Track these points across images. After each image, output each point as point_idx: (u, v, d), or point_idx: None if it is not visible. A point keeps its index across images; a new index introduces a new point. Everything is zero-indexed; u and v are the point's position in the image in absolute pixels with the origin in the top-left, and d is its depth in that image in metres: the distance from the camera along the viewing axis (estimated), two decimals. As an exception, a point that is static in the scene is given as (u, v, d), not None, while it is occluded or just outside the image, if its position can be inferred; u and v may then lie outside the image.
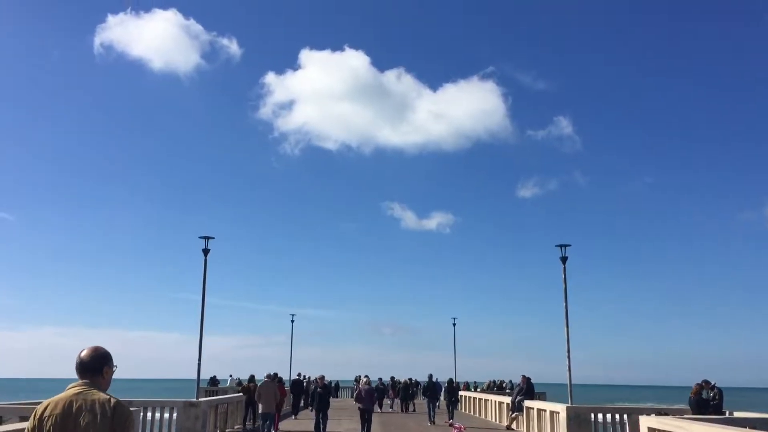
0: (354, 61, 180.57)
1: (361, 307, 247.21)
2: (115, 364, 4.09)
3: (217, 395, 32.65)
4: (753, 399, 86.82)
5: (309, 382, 38.83)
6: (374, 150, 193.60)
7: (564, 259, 24.86)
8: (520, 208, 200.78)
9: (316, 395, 21.37)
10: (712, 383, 20.20)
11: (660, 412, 19.22)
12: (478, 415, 35.54)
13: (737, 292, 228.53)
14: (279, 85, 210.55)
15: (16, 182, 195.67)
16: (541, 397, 35.08)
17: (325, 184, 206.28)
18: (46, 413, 3.80)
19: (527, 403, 24.99)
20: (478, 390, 48.13)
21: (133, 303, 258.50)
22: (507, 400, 28.64)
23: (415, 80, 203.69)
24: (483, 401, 35.51)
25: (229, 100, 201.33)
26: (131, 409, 4.46)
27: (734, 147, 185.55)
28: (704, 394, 20.09)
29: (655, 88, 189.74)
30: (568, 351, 24.11)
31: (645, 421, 15.15)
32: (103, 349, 4.06)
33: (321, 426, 21.18)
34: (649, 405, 47.08)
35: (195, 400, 21.42)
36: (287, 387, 33.41)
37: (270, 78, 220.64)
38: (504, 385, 49.83)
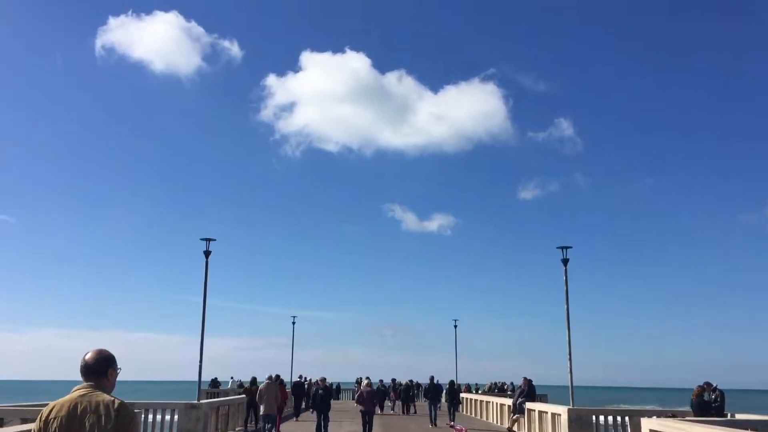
0: (355, 63, 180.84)
1: (362, 309, 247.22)
2: (119, 367, 4.15)
3: (218, 397, 32.65)
4: (755, 401, 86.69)
5: (310, 384, 38.82)
6: (375, 152, 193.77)
7: (565, 261, 24.84)
8: (521, 210, 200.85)
9: (318, 397, 21.36)
10: (714, 385, 20.19)
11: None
12: (479, 417, 35.51)
13: (739, 294, 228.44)
14: (280, 87, 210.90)
15: (17, 184, 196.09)
16: (543, 399, 35.09)
17: (326, 185, 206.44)
18: (52, 415, 3.87)
19: (528, 405, 24.97)
20: (480, 392, 48.13)
21: (135, 305, 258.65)
22: (508, 402, 28.62)
23: (416, 82, 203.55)
24: (484, 403, 35.48)
25: (230, 102, 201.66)
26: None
27: (735, 148, 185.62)
28: (706, 396, 20.07)
29: (656, 89, 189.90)
30: (570, 353, 24.09)
31: (646, 424, 15.14)
32: (107, 351, 4.12)
33: (322, 428, 21.17)
34: (650, 407, 47.00)
35: (196, 401, 21.41)
36: (288, 389, 33.40)
37: (271, 80, 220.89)
38: (505, 387, 49.83)
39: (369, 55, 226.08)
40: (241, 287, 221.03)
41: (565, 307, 24.61)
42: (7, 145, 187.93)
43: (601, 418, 21.34)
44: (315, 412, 21.68)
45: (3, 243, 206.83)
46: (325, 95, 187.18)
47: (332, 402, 23.20)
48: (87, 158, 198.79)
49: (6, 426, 17.31)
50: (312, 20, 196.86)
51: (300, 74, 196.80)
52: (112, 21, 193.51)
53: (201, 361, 24.15)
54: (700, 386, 20.26)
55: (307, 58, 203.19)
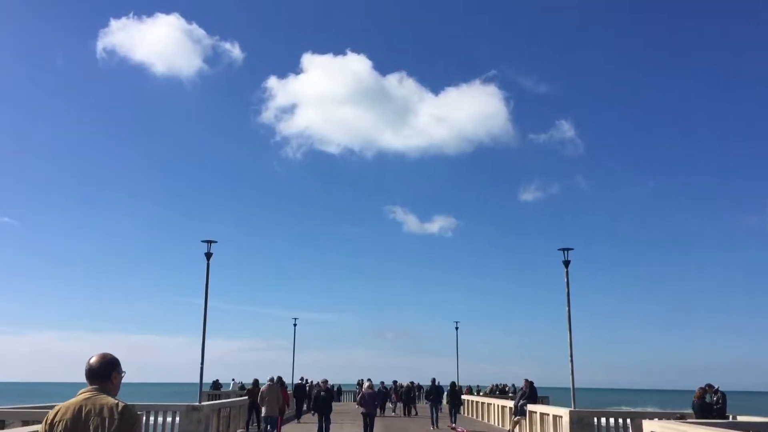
0: (356, 65, 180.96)
1: (364, 311, 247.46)
2: (123, 370, 4.22)
3: (219, 399, 32.64)
4: (757, 403, 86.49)
5: (311, 385, 38.79)
6: (376, 154, 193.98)
7: (567, 263, 24.82)
8: (521, 212, 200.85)
9: (320, 399, 21.34)
10: (716, 387, 20.15)
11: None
12: (481, 419, 35.48)
13: (740, 296, 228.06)
14: (281, 89, 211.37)
15: (18, 186, 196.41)
16: (544, 401, 35.01)
17: (328, 188, 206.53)
18: (57, 418, 3.94)
19: (530, 407, 24.93)
20: (481, 394, 48.08)
21: (136, 307, 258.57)
22: (510, 404, 28.59)
23: (417, 84, 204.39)
24: (486, 405, 35.44)
25: (232, 104, 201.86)
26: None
27: (738, 150, 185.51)
28: (708, 398, 20.03)
29: (658, 91, 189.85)
30: (571, 355, 24.07)
31: (648, 426, 15.12)
32: (111, 355, 4.19)
33: (324, 429, 21.16)
34: (651, 409, 46.92)
35: (197, 404, 21.41)
36: (290, 391, 33.38)
37: (272, 82, 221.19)
38: (507, 389, 49.79)
39: (370, 57, 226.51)
40: (242, 289, 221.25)
41: (567, 309, 24.59)
42: (8, 147, 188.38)
43: (603, 420, 21.31)
44: (316, 414, 21.67)
45: (4, 245, 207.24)
46: (326, 97, 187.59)
47: (333, 404, 23.19)
48: (88, 160, 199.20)
49: (7, 428, 17.32)
50: (313, 22, 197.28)
51: (301, 76, 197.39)
52: (114, 23, 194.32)
53: (202, 363, 24.18)
54: (701, 388, 20.22)
55: (308, 60, 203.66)
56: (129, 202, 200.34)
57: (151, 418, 20.11)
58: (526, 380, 26.13)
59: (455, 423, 30.22)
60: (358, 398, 23.70)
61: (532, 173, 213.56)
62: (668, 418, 17.70)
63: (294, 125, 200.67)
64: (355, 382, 53.81)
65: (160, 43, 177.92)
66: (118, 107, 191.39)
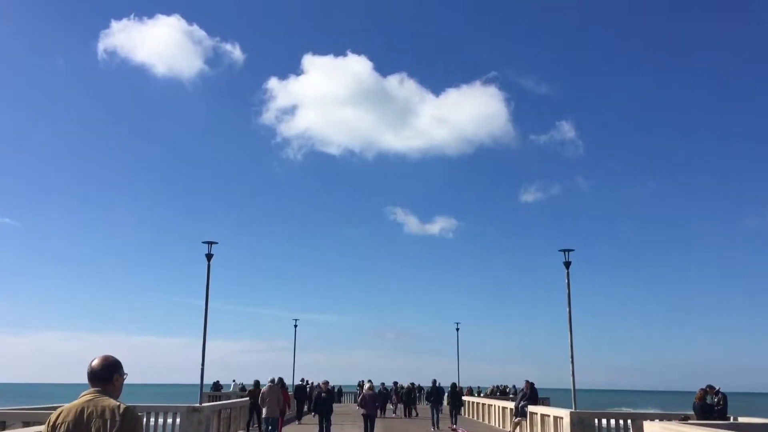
0: (356, 66, 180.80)
1: (364, 312, 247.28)
2: (125, 372, 4.27)
3: (220, 400, 32.64)
4: (758, 404, 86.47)
5: (312, 387, 38.78)
6: (377, 155, 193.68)
7: (567, 264, 24.81)
8: (522, 213, 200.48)
9: (321, 400, 21.33)
10: (717, 388, 20.13)
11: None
12: (481, 421, 35.46)
13: (741, 297, 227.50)
14: (282, 91, 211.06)
15: (19, 187, 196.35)
16: (545, 402, 35.00)
17: (328, 189, 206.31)
18: (59, 420, 3.99)
19: (531, 408, 24.92)
20: (482, 395, 48.06)
21: (136, 308, 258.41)
22: (510, 405, 28.57)
23: (418, 85, 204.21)
24: (486, 406, 35.43)
25: (232, 106, 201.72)
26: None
27: (738, 151, 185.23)
28: (708, 400, 20.02)
29: (658, 91, 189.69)
30: (572, 356, 24.05)
31: (649, 427, 15.11)
32: (113, 357, 4.25)
33: (324, 431, 21.15)
34: (652, 410, 46.88)
35: (198, 405, 21.42)
36: (290, 392, 33.38)
37: (273, 83, 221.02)
38: (507, 390, 49.79)
39: (371, 58, 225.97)
40: (242, 290, 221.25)
41: (567, 310, 24.58)
42: (9, 147, 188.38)
43: (604, 421, 21.31)
44: (317, 415, 21.66)
45: (5, 246, 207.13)
46: (327, 98, 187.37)
47: (334, 405, 23.19)
48: (89, 161, 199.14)
49: (8, 429, 17.33)
50: (314, 23, 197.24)
51: (302, 77, 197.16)
52: (115, 24, 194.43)
53: (203, 364, 24.18)
54: (702, 389, 20.21)
55: (309, 61, 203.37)
56: (130, 203, 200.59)
57: (152, 420, 20.12)
58: (527, 381, 26.12)
59: (456, 424, 30.21)
60: (358, 399, 23.69)
61: (532, 174, 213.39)
62: (671, 419, 17.69)
63: (295, 126, 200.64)
64: (356, 383, 53.84)
65: (161, 45, 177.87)
66: (118, 108, 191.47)
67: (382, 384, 43.92)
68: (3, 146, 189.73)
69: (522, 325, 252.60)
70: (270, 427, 21.20)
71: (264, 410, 21.14)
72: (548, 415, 23.02)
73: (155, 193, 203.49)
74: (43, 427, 4.05)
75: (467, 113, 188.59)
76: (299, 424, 31.23)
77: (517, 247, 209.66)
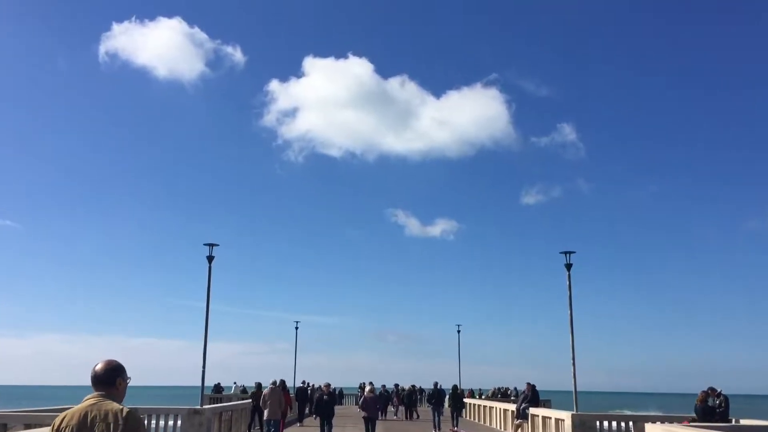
0: (357, 68, 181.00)
1: (365, 314, 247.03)
2: (128, 376, 4.34)
3: (221, 402, 32.64)
4: (760, 406, 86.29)
5: (313, 389, 38.78)
6: (378, 157, 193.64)
7: (569, 266, 24.81)
8: (523, 215, 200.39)
9: (322, 403, 21.32)
10: (718, 390, 20.08)
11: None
12: (482, 423, 35.43)
13: (742, 299, 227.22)
14: (283, 93, 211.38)
15: (21, 189, 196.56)
16: (546, 404, 34.95)
17: (329, 191, 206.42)
18: (63, 424, 4.06)
19: (532, 410, 24.91)
20: (483, 397, 48.02)
21: (138, 310, 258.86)
22: (512, 407, 28.55)
23: (419, 87, 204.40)
24: (488, 408, 35.41)
25: (233, 108, 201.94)
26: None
27: (739, 154, 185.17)
28: (710, 402, 19.97)
29: (659, 94, 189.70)
30: (573, 358, 24.04)
31: (650, 429, 15.09)
32: (116, 362, 4.32)
33: (326, 433, 21.15)
34: (653, 413, 46.83)
35: (199, 407, 21.41)
36: (292, 394, 33.37)
37: (274, 85, 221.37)
38: (509, 393, 49.74)
39: (371, 61, 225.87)
40: (244, 292, 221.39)
41: (569, 312, 24.56)
42: (10, 150, 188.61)
43: (605, 423, 21.29)
44: (318, 418, 21.66)
45: (7, 248, 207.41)
46: (328, 101, 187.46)
47: (335, 408, 23.18)
48: (90, 164, 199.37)
49: (10, 431, 17.34)
50: (315, 26, 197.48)
51: (303, 80, 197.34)
52: (116, 27, 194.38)
53: (204, 367, 24.17)
54: (704, 391, 20.16)
55: (310, 63, 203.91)
56: (131, 205, 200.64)
57: (153, 422, 20.13)
58: (528, 383, 26.11)
59: (457, 426, 30.20)
60: (359, 402, 23.66)
61: (533, 176, 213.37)
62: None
63: (296, 129, 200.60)
64: (357, 386, 53.83)
65: (162, 47, 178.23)
66: (120, 111, 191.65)
67: (383, 386, 43.90)
68: (4, 148, 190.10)
69: (523, 327, 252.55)
70: (271, 429, 21.19)
71: (265, 412, 21.14)
72: (549, 418, 23.00)
73: (156, 195, 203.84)
74: (46, 430, 4.10)
75: (468, 115, 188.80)
76: (300, 426, 31.22)
77: (518, 250, 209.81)
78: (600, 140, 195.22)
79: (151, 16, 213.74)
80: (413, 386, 42.97)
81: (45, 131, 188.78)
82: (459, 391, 33.55)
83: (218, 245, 25.09)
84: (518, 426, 25.93)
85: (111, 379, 4.21)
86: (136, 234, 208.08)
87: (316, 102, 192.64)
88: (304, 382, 39.86)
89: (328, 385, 22.75)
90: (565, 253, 24.95)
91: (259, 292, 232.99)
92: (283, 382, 24.18)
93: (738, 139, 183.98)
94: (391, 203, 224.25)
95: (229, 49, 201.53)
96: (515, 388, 49.10)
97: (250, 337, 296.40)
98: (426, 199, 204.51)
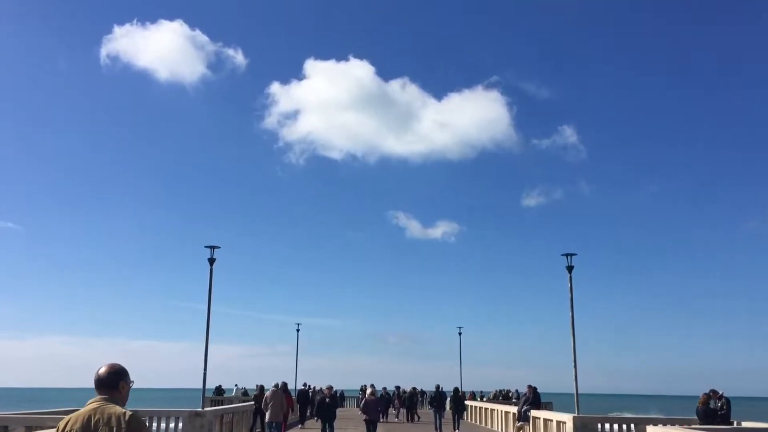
0: (358, 70, 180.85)
1: (367, 317, 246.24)
2: (131, 380, 4.37)
3: (222, 405, 32.63)
4: (762, 408, 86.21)
5: (314, 391, 38.76)
6: (379, 159, 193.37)
7: (570, 268, 24.80)
8: (524, 217, 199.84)
9: (324, 405, 21.31)
10: (720, 393, 20.08)
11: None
12: (484, 425, 35.42)
13: (744, 301, 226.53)
14: (284, 95, 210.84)
15: (22, 191, 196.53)
16: (548, 406, 34.94)
17: (330, 193, 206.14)
18: (67, 428, 4.11)
19: (533, 412, 24.90)
20: (485, 399, 47.98)
21: (139, 312, 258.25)
22: (513, 409, 28.54)
23: (420, 90, 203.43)
24: (489, 411, 35.40)
25: (235, 110, 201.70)
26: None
27: (740, 155, 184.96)
28: (712, 404, 19.97)
29: (660, 96, 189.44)
30: (575, 360, 24.03)
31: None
32: (120, 365, 4.35)
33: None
34: (655, 415, 46.78)
35: (200, 409, 21.40)
36: (293, 396, 33.37)
37: (275, 88, 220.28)
38: (510, 395, 49.65)
39: (373, 63, 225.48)
40: (245, 294, 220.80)
41: (570, 314, 24.55)
42: (11, 151, 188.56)
43: (606, 426, 21.25)
44: (319, 420, 21.66)
45: (8, 250, 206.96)
46: (329, 103, 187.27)
47: (336, 410, 23.16)
48: (91, 165, 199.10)
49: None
50: (316, 28, 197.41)
51: (304, 82, 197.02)
52: (117, 29, 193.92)
53: (205, 369, 24.14)
54: (705, 394, 20.16)
55: (311, 66, 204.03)
56: (132, 207, 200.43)
57: (154, 424, 20.13)
58: (530, 386, 26.10)
59: (458, 429, 30.16)
60: (361, 404, 23.65)
61: (534, 178, 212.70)
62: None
63: (297, 131, 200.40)
64: (358, 388, 53.82)
65: (163, 50, 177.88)
66: (121, 113, 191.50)
67: (384, 389, 43.84)
68: (6, 150, 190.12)
69: (524, 330, 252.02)
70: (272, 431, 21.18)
71: (267, 415, 21.14)
72: (551, 420, 22.98)
73: (158, 197, 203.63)
74: None
75: (469, 117, 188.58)
76: (302, 428, 31.21)
77: (519, 252, 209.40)
78: (601, 142, 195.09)
79: (153, 18, 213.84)
80: (414, 388, 42.95)
81: (46, 133, 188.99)
82: (460, 394, 33.53)
83: (219, 247, 25.10)
84: (519, 428, 25.91)
85: (114, 382, 4.24)
86: (137, 236, 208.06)
87: (317, 104, 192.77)
88: (305, 385, 39.86)
89: (330, 388, 22.75)
90: (567, 255, 24.94)
91: (260, 294, 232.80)
92: (285, 384, 24.16)
93: (738, 139, 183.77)
94: (392, 205, 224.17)
95: (231, 52, 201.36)
96: (516, 391, 49.02)
97: (252, 340, 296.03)
98: (427, 201, 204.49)
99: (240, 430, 25.07)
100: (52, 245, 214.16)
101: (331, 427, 21.25)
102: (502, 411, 31.93)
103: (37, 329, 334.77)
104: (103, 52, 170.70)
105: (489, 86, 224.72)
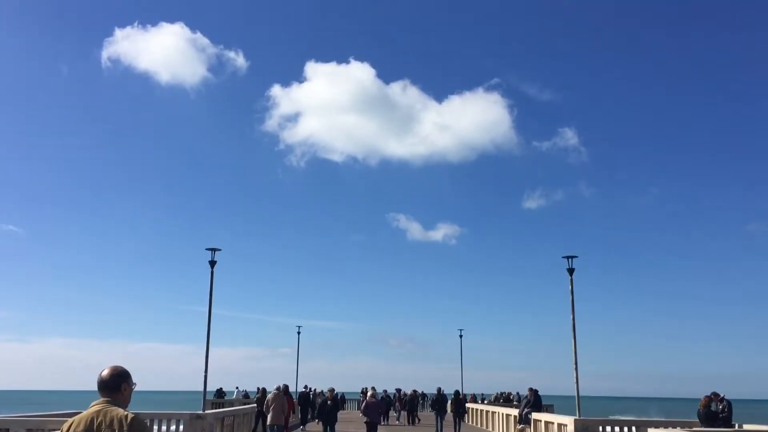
0: (359, 73, 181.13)
1: (367, 319, 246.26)
2: (134, 382, 4.39)
3: (223, 407, 32.62)
4: (764, 411, 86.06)
5: (315, 394, 38.74)
6: (380, 162, 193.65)
7: (571, 271, 24.80)
8: (525, 220, 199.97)
9: (326, 408, 21.30)
10: (721, 395, 20.06)
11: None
12: (485, 428, 35.38)
13: (745, 303, 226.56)
14: (285, 98, 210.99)
15: (23, 194, 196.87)
16: (549, 409, 34.94)
17: (331, 195, 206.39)
18: (70, 431, 4.13)
19: (534, 415, 24.87)
20: (486, 402, 47.95)
21: (140, 315, 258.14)
22: (514, 412, 28.51)
23: (421, 92, 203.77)
24: (490, 413, 35.35)
25: (236, 113, 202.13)
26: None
27: (740, 158, 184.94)
28: (713, 407, 19.95)
29: (661, 98, 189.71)
30: (576, 363, 24.03)
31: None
32: (122, 368, 4.36)
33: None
34: (656, 417, 46.70)
35: (201, 412, 21.42)
36: (294, 399, 33.36)
37: (276, 90, 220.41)
38: (511, 398, 49.61)
39: (373, 65, 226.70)
40: (245, 297, 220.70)
41: (571, 316, 24.55)
42: (12, 154, 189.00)
43: (608, 428, 21.22)
44: (321, 423, 21.66)
45: (9, 253, 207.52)
46: (330, 105, 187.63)
47: (338, 413, 23.17)
48: (92, 168, 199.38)
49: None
50: (316, 31, 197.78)
51: (305, 84, 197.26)
52: (118, 32, 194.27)
53: (206, 371, 24.19)
54: (707, 396, 20.14)
55: (312, 68, 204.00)
56: (133, 210, 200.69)
57: (155, 427, 20.12)
58: (531, 389, 26.07)
59: (459, 431, 30.11)
60: (361, 407, 23.65)
61: (535, 181, 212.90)
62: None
63: (297, 133, 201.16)
64: (359, 390, 53.81)
65: (164, 52, 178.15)
66: (122, 115, 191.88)
67: (385, 391, 43.84)
68: (7, 153, 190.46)
69: (525, 332, 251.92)
70: (273, 434, 21.18)
71: (269, 417, 21.15)
72: (552, 423, 22.95)
73: (158, 199, 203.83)
74: None
75: (470, 120, 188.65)
76: (303, 431, 31.20)
77: (520, 254, 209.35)
78: (602, 144, 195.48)
79: (154, 21, 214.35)
80: (415, 391, 42.92)
81: (47, 136, 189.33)
82: (461, 396, 33.49)
83: (220, 250, 25.17)
84: (521, 431, 25.88)
85: (116, 384, 4.26)
86: (138, 238, 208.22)
87: (318, 107, 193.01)
88: (306, 387, 39.83)
89: (332, 391, 22.76)
90: (568, 257, 24.96)
91: (261, 296, 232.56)
92: (286, 387, 24.18)
93: (739, 142, 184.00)
94: (393, 208, 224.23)
95: (232, 54, 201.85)
96: (517, 393, 48.99)
97: (253, 342, 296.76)
98: (428, 203, 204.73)
99: (241, 432, 25.06)
100: (53, 248, 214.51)
101: (332, 430, 21.26)
102: (503, 414, 31.89)
103: (38, 332, 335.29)
104: (105, 54, 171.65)
105: (490, 88, 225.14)
